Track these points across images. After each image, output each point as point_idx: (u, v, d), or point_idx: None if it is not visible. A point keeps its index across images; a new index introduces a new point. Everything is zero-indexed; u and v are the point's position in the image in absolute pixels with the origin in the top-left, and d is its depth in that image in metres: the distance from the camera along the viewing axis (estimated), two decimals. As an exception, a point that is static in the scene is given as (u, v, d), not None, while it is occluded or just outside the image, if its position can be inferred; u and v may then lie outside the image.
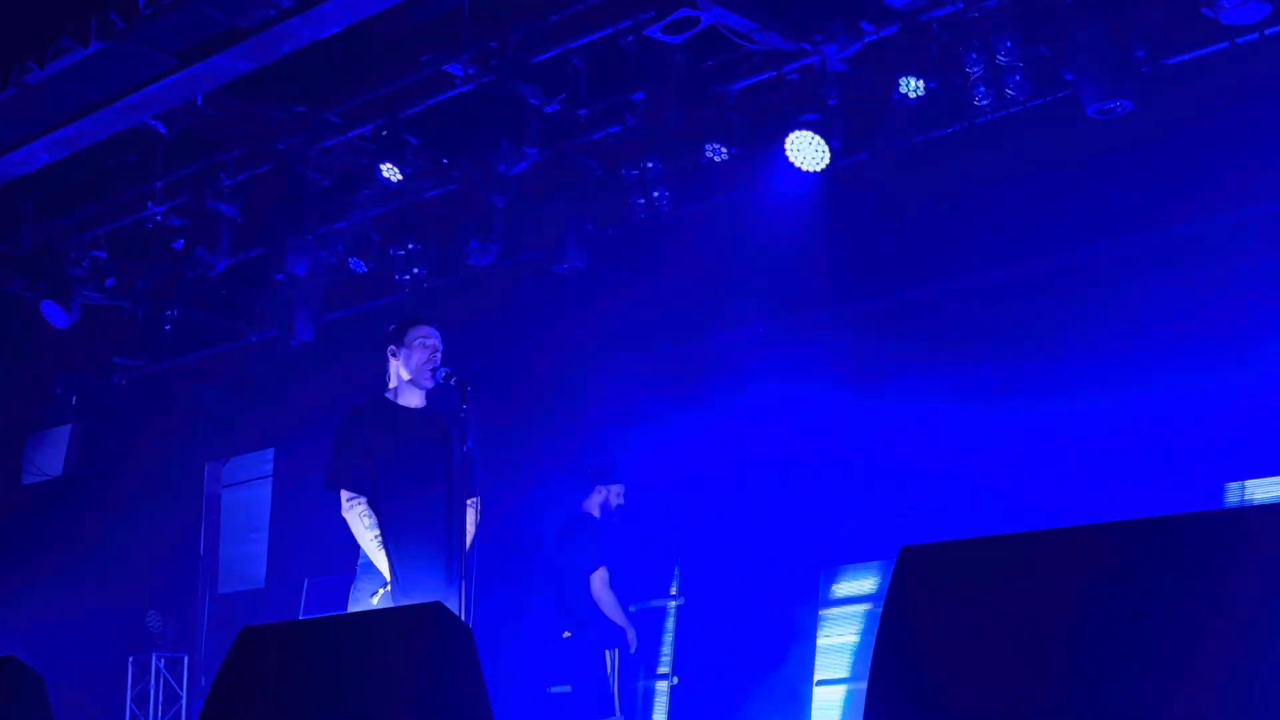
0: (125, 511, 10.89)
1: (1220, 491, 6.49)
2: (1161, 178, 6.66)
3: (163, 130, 7.53)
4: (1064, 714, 2.34)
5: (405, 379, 5.56)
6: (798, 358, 7.93)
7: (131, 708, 10.11)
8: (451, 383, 5.42)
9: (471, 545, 5.47)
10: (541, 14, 7.00)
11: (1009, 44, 6.30)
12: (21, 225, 9.01)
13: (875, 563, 7.43)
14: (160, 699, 10.27)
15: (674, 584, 8.21)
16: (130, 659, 10.34)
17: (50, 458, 11.89)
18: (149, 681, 10.27)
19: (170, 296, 9.40)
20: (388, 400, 5.62)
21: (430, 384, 5.54)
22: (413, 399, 5.60)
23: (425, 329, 5.59)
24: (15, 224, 9.02)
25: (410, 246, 8.52)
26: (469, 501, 5.48)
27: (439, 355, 5.53)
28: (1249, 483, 6.44)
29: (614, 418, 8.51)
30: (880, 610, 2.61)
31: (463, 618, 5.11)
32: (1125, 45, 6.10)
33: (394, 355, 5.60)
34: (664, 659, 8.12)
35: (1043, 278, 7.14)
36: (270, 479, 10.67)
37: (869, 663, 2.56)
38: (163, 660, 10.33)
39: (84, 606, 10.39)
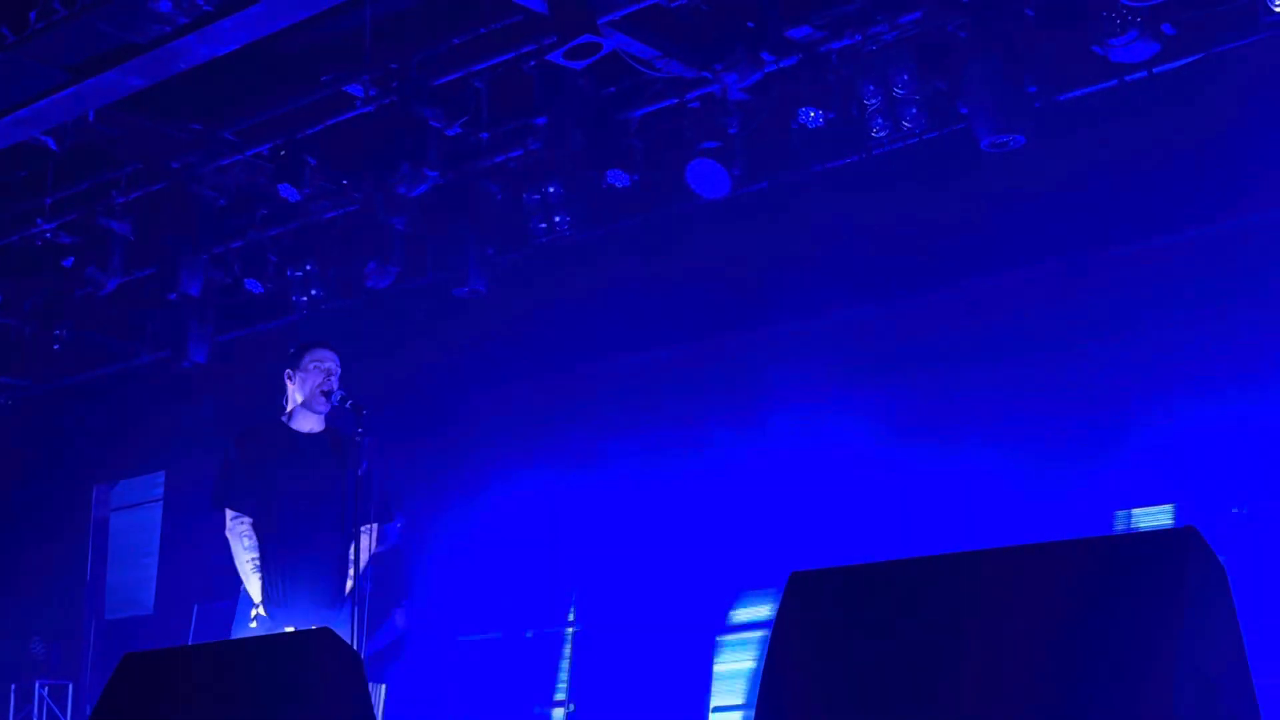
0: (10, 535, 10.62)
1: (1109, 519, 6.62)
2: (1053, 211, 6.80)
3: (53, 146, 7.37)
4: (948, 739, 2.36)
5: (299, 401, 5.51)
6: (697, 383, 7.96)
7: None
8: (347, 406, 5.39)
9: (365, 569, 5.41)
10: (444, 37, 6.99)
11: (906, 77, 6.40)
12: (-96, 241, 8.77)
13: (773, 589, 7.46)
14: (43, 728, 10.01)
15: (571, 611, 8.18)
16: (13, 686, 10.06)
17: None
18: (32, 709, 10.00)
19: (59, 315, 9.19)
20: (282, 424, 5.56)
21: (324, 408, 5.50)
22: (308, 423, 5.55)
23: (321, 352, 5.55)
24: (-102, 240, 8.78)
25: (308, 267, 8.41)
26: (364, 528, 5.42)
27: (334, 379, 5.49)
28: (1135, 511, 6.58)
29: (512, 441, 8.48)
30: (770, 634, 2.62)
31: (353, 643, 5.05)
32: (1018, 81, 6.23)
33: (290, 379, 5.56)
34: (561, 686, 8.08)
35: (937, 308, 7.25)
36: (160, 503, 10.47)
37: (761, 688, 2.56)
38: (46, 688, 10.06)
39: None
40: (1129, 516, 6.58)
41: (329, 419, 5.59)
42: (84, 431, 10.41)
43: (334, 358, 5.55)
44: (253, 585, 5.28)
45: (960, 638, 2.45)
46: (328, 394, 5.46)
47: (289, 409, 5.59)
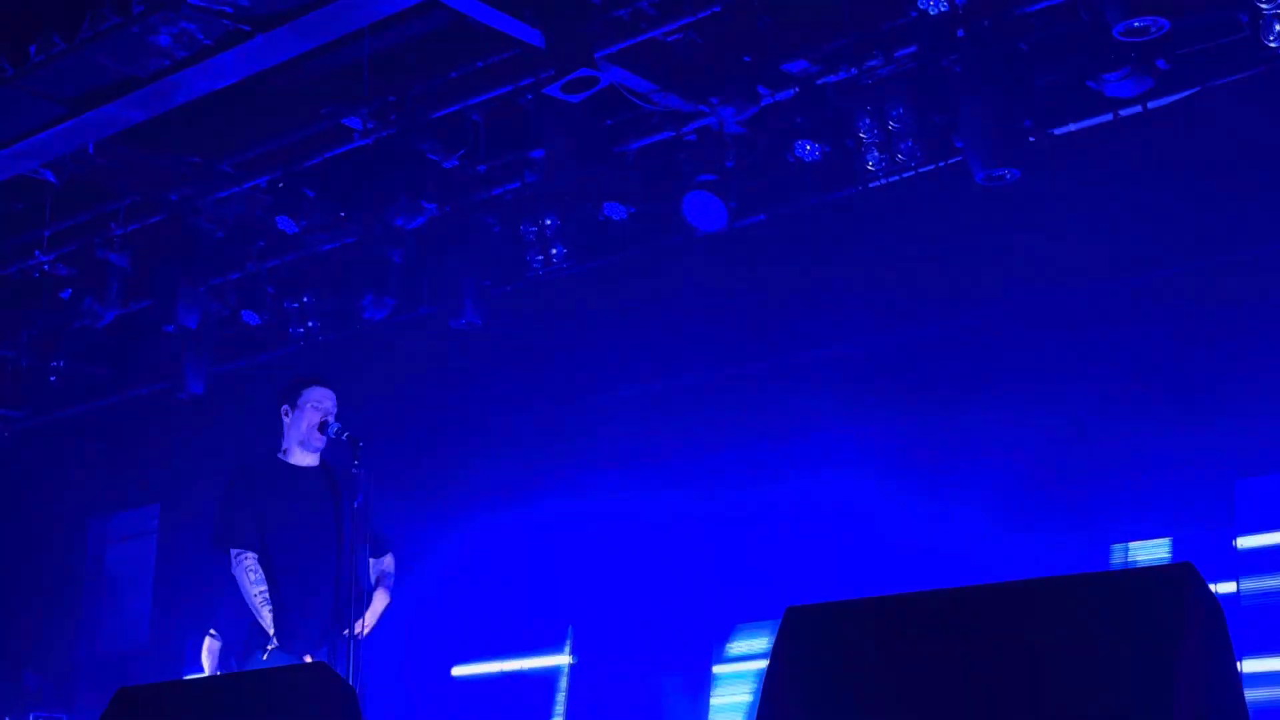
0: (5, 566, 10.58)
1: (1106, 553, 6.62)
2: (1048, 244, 6.82)
3: (52, 178, 7.40)
4: (945, 775, 2.35)
5: (295, 438, 5.53)
6: (695, 416, 7.96)
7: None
8: (344, 438, 5.40)
9: (385, 608, 5.45)
10: (441, 70, 7.02)
11: (901, 111, 6.43)
12: (-98, 273, 8.78)
13: (770, 621, 7.44)
14: (37, 762, 9.95)
15: (567, 643, 8.16)
16: (6, 718, 10.00)
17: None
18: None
19: (56, 347, 9.19)
20: (279, 459, 5.58)
21: (320, 444, 5.52)
22: (304, 458, 5.57)
23: (319, 391, 5.58)
24: (-105, 272, 8.79)
25: (305, 299, 8.43)
26: (383, 571, 5.45)
27: (331, 416, 5.51)
28: (1132, 544, 6.57)
29: (508, 473, 8.48)
30: (766, 669, 2.62)
31: (350, 676, 5.05)
32: (1013, 115, 6.26)
33: (286, 414, 5.57)
34: (557, 719, 8.04)
35: (934, 340, 7.26)
36: (155, 535, 10.44)
37: (758, 722, 2.56)
38: (40, 720, 10.01)
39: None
40: (1126, 550, 6.58)
41: (324, 452, 5.61)
42: (80, 464, 10.40)
43: (331, 396, 5.58)
44: (265, 619, 5.30)
45: (956, 674, 2.45)
46: (324, 429, 5.47)
47: (285, 445, 5.60)
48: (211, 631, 7.70)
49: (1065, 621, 2.39)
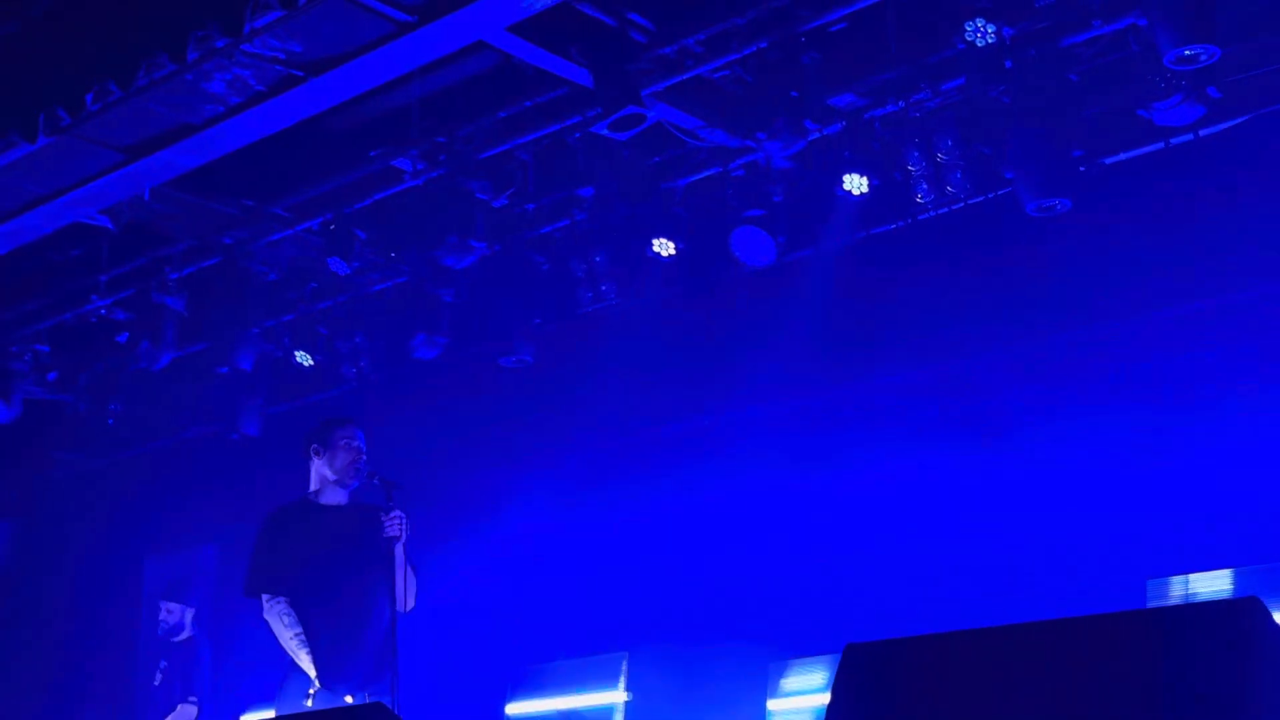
0: (64, 607, 10.68)
1: (1165, 585, 6.53)
2: (1100, 274, 6.78)
3: (109, 224, 7.50)
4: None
5: (329, 478, 5.54)
6: (745, 450, 7.94)
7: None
8: (375, 482, 5.41)
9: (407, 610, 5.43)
10: (489, 110, 7.08)
11: (949, 143, 6.42)
12: (-38, 320, 8.93)
13: (825, 656, 7.39)
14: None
15: (621, 678, 8.13)
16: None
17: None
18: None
19: (113, 390, 9.30)
20: (309, 500, 5.58)
21: (354, 484, 5.52)
22: (335, 497, 5.58)
23: (350, 429, 5.60)
24: (-44, 319, 8.94)
25: (357, 340, 8.49)
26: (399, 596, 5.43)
27: (364, 456, 5.52)
28: (1192, 576, 6.49)
29: (560, 510, 8.48)
30: (826, 707, 2.60)
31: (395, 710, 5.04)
32: (1063, 145, 6.23)
33: (317, 454, 5.58)
34: (612, 757, 8.01)
35: (983, 372, 7.22)
36: (214, 575, 10.50)
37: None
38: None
39: (20, 703, 10.15)
40: (1186, 582, 6.49)
41: (354, 493, 5.61)
42: (137, 505, 10.49)
43: (361, 435, 5.59)
44: (304, 661, 5.29)
45: (1018, 711, 2.43)
46: (358, 471, 5.48)
47: (314, 485, 5.61)
48: (191, 698, 7.91)
49: (1128, 658, 2.37)
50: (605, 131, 6.67)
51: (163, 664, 8.25)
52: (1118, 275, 6.72)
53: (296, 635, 5.30)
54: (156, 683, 8.26)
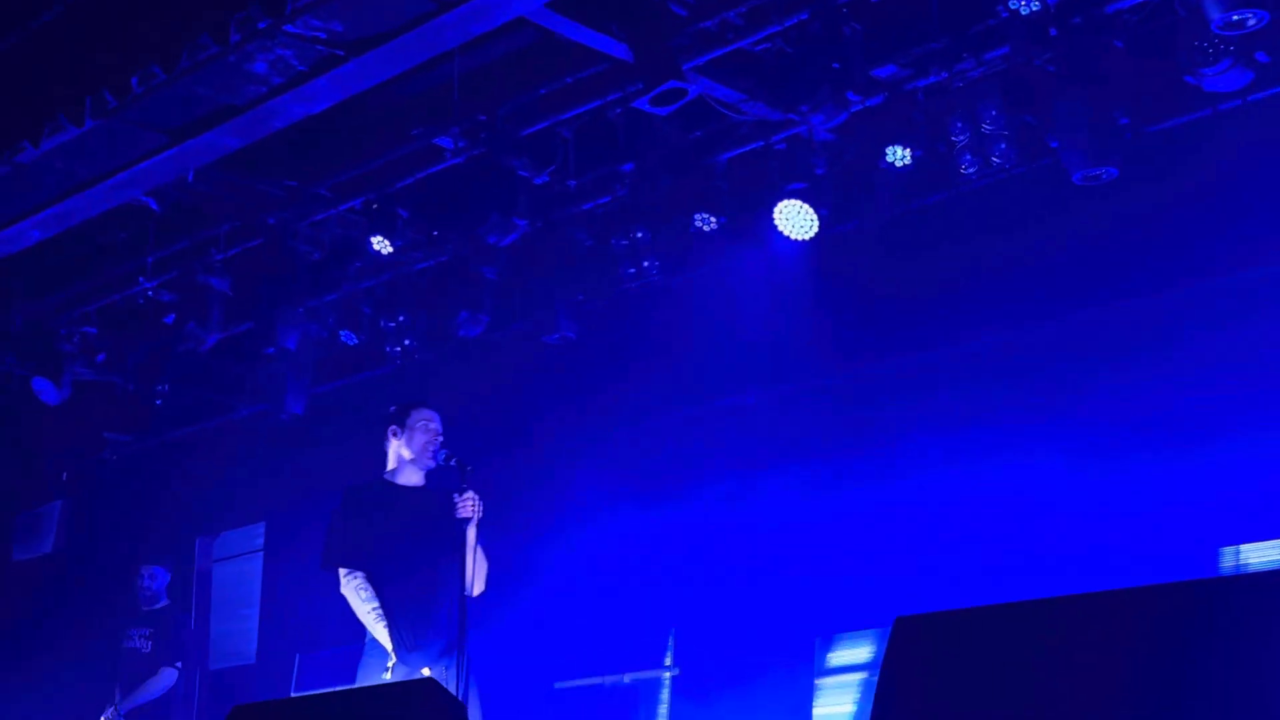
0: (116, 587, 10.80)
1: (1215, 557, 6.48)
2: (1147, 244, 6.71)
3: (154, 206, 7.57)
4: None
5: (407, 459, 5.64)
6: (791, 425, 7.93)
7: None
8: (451, 464, 5.51)
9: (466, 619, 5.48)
10: (530, 87, 7.07)
11: (994, 113, 6.36)
12: (12, 302, 9.02)
13: (871, 631, 7.38)
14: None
15: (668, 654, 8.16)
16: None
17: (41, 534, 11.82)
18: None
19: (161, 371, 9.40)
20: (387, 481, 5.69)
21: (432, 465, 5.63)
22: (412, 477, 5.69)
23: (428, 412, 5.73)
24: (6, 301, 9.04)
25: (401, 318, 8.53)
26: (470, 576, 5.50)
27: (440, 438, 5.63)
28: (1244, 547, 6.43)
29: (606, 487, 8.50)
30: (875, 680, 2.60)
31: (462, 693, 5.11)
32: (1109, 113, 6.16)
33: (395, 435, 5.70)
34: (659, 731, 8.04)
35: (1031, 344, 7.16)
36: (261, 554, 10.61)
37: (866, 734, 2.55)
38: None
39: (75, 682, 10.28)
40: (1237, 553, 6.43)
41: (430, 476, 5.72)
42: (186, 485, 10.59)
43: (438, 417, 5.72)
44: (381, 635, 5.41)
45: (1070, 683, 2.41)
46: (435, 452, 5.60)
47: (392, 465, 5.71)
48: (176, 664, 8.09)
49: (1180, 629, 2.35)
50: (646, 107, 6.64)
51: (145, 631, 8.45)
52: (1166, 244, 6.65)
53: (374, 609, 5.42)
54: (146, 650, 8.43)
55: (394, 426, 5.72)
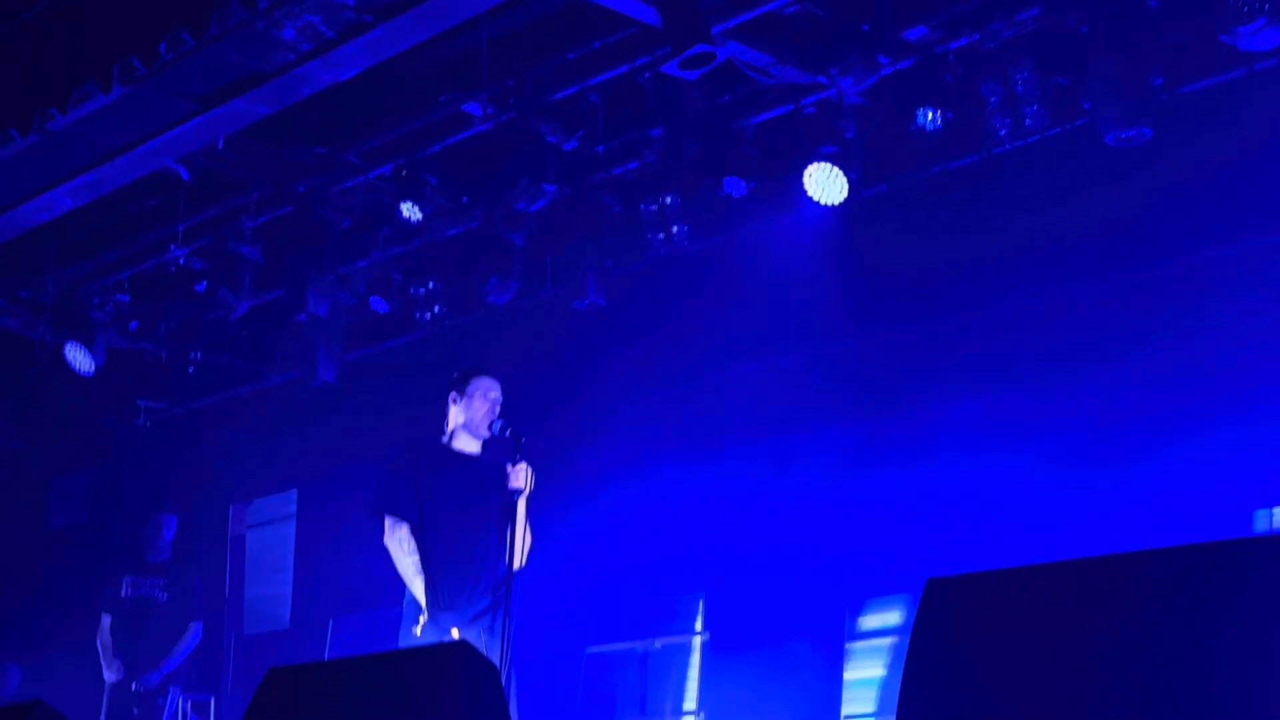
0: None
1: (1249, 520, 6.44)
2: (1182, 205, 6.65)
3: (184, 174, 7.58)
4: (1095, 747, 2.32)
5: (462, 425, 5.66)
6: (821, 390, 7.91)
7: (158, 751, 10.08)
8: (506, 435, 5.53)
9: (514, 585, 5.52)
10: (559, 52, 7.05)
11: (1026, 74, 6.31)
12: (45, 271, 9.07)
13: (901, 596, 7.39)
14: (186, 740, 10.24)
15: (699, 619, 8.18)
16: (158, 700, 10.32)
17: (76, 500, 11.93)
18: (175, 725, 10.24)
19: (193, 339, 9.45)
20: (443, 444, 5.71)
21: (487, 435, 5.64)
22: (469, 445, 5.71)
23: (489, 381, 5.74)
24: (39, 270, 9.08)
25: (431, 285, 8.54)
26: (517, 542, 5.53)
27: (499, 408, 5.64)
28: (1277, 509, 6.39)
29: (636, 452, 8.51)
30: (907, 643, 2.59)
31: (502, 660, 5.14)
32: (1143, 73, 6.10)
33: (454, 402, 5.72)
34: (690, 695, 8.08)
35: (1064, 307, 7.12)
36: (294, 520, 10.68)
37: (896, 697, 2.54)
38: (189, 701, 10.30)
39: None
40: (1270, 515, 6.40)
41: (486, 445, 5.73)
42: (219, 451, 10.66)
43: (499, 387, 5.72)
44: (416, 588, 5.45)
45: (1103, 643, 2.40)
46: (492, 424, 5.60)
47: (450, 429, 5.73)
48: (198, 620, 8.11)
49: (1214, 589, 2.34)
50: (675, 71, 6.60)
51: (160, 581, 8.39)
52: (1201, 205, 6.59)
53: (414, 562, 5.47)
54: (162, 600, 8.38)
55: (454, 393, 5.72)
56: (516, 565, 5.57)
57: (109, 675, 8.21)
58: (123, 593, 8.37)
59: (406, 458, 5.67)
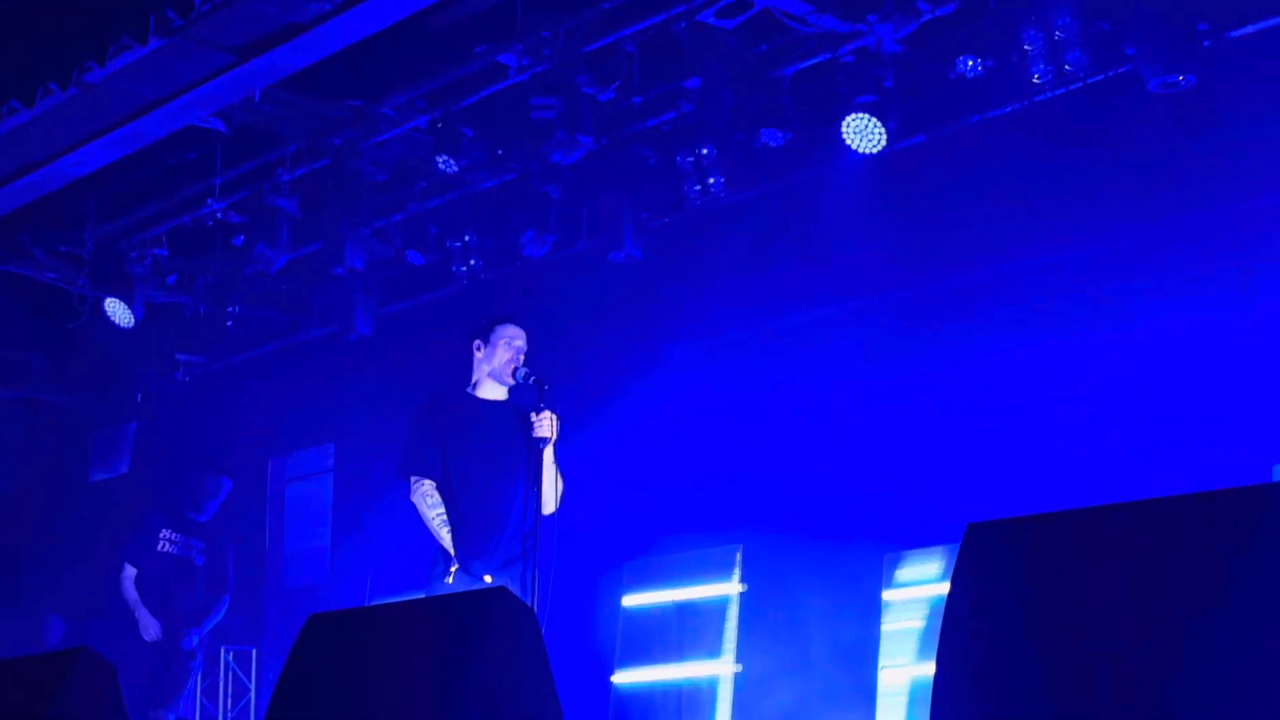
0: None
1: (1267, 474, 6.38)
2: (1227, 153, 6.55)
3: (221, 127, 7.60)
4: (1139, 692, 2.30)
5: (486, 373, 5.66)
6: (857, 341, 7.88)
7: (202, 699, 10.21)
8: (530, 382, 5.51)
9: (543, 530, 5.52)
10: (593, 2, 7.00)
11: (1067, 19, 6.22)
12: (84, 225, 9.13)
13: (940, 547, 7.37)
14: (229, 691, 10.37)
15: (736, 570, 8.19)
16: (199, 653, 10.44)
17: (116, 454, 12.05)
18: (218, 674, 10.36)
19: (231, 293, 9.49)
20: (466, 393, 5.72)
21: (511, 382, 5.64)
22: (493, 392, 5.71)
23: (513, 329, 5.70)
24: (78, 224, 9.14)
25: (467, 238, 8.54)
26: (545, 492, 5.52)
27: (523, 356, 5.63)
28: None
29: (672, 405, 8.50)
30: (945, 595, 2.58)
31: (533, 603, 5.17)
32: (1187, 18, 6.01)
33: (478, 350, 5.71)
34: (727, 646, 8.10)
35: (1105, 255, 7.05)
36: (331, 473, 10.75)
37: (935, 646, 2.53)
38: (231, 653, 10.42)
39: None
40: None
41: (513, 392, 5.73)
42: (258, 405, 10.73)
43: (524, 335, 5.71)
44: (445, 540, 5.46)
45: (1145, 588, 2.39)
46: (515, 371, 5.60)
47: (475, 378, 5.73)
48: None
49: (1256, 532, 2.32)
50: (711, 20, 6.56)
51: (199, 544, 8.18)
52: (1245, 153, 6.49)
53: (438, 515, 5.48)
54: (200, 564, 8.17)
55: (478, 340, 5.71)
56: (548, 510, 5.58)
57: (148, 634, 8.04)
58: (159, 547, 8.16)
59: (426, 413, 5.66)
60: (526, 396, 5.62)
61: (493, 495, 5.52)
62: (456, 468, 5.55)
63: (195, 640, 8.12)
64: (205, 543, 8.22)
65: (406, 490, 5.60)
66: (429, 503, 5.50)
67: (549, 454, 5.50)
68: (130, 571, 8.07)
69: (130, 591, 8.05)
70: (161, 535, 8.13)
